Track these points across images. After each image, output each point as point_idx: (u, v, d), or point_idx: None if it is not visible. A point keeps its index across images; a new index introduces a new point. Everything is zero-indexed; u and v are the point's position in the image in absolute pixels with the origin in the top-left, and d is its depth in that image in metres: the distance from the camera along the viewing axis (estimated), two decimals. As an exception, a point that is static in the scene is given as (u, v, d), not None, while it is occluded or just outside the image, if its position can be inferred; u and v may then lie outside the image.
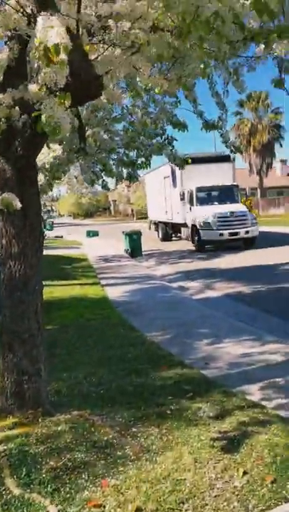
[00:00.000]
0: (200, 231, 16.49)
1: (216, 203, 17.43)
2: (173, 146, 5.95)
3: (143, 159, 6.39)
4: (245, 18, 2.52)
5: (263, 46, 2.58)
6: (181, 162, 6.18)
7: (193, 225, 17.14)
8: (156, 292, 9.31)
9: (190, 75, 2.90)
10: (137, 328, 6.35)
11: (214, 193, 17.93)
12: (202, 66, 3.03)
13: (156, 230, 23.87)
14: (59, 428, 3.32)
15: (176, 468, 2.86)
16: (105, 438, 3.23)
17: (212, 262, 14.13)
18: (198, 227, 16.64)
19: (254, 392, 4.06)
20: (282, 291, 9.12)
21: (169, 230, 21.78)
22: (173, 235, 21.57)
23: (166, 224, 21.95)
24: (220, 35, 2.22)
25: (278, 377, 4.39)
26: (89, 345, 5.65)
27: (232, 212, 16.50)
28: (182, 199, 18.04)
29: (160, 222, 22.89)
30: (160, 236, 22.87)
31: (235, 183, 18.42)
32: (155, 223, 24.28)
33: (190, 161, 7.17)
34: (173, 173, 18.37)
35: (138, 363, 4.87)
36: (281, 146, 40.69)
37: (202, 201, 17.42)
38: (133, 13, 2.37)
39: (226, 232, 16.12)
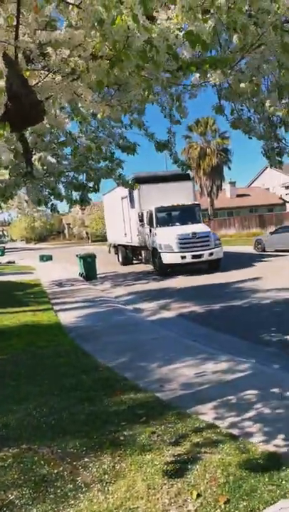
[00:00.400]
0: (161, 254, 15.45)
1: (177, 223, 16.48)
2: (122, 168, 6.03)
3: (92, 183, 6.40)
4: (180, 49, 2.65)
5: (198, 75, 2.69)
6: (130, 186, 6.25)
7: (154, 248, 16.06)
8: (110, 315, 9.22)
9: (132, 102, 2.97)
10: (91, 354, 6.23)
11: (175, 214, 17.01)
12: (144, 93, 3.12)
13: (117, 253, 22.58)
14: (6, 463, 3.16)
15: (128, 496, 2.79)
16: (55, 471, 3.11)
17: (166, 282, 14.26)
18: (158, 250, 15.58)
19: (207, 411, 4.07)
20: (233, 309, 9.33)
21: (130, 254, 20.53)
22: (134, 259, 20.44)
23: (126, 247, 20.65)
24: (156, 64, 2.30)
25: (230, 395, 4.43)
26: (40, 375, 5.46)
27: (194, 234, 15.45)
28: (141, 220, 16.95)
29: (120, 245, 21.53)
30: (120, 260, 21.61)
31: (196, 202, 17.66)
32: (115, 246, 22.93)
33: (138, 185, 7.28)
34: (130, 193, 17.07)
35: (91, 389, 4.76)
36: (230, 169, 42.27)
37: (162, 222, 16.44)
38: (72, 41, 2.41)
39: (188, 254, 15.16)
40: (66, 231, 73.88)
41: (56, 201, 6.69)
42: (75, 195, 6.95)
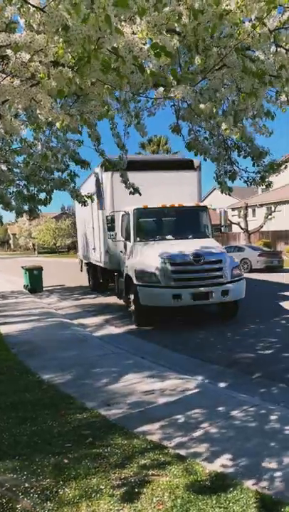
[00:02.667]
0: (138, 289, 8.90)
1: (169, 237, 10.05)
2: (75, 183, 5.92)
3: (44, 194, 6.24)
4: (146, 63, 2.64)
5: (161, 89, 2.70)
6: (82, 201, 6.12)
7: (128, 277, 9.63)
8: (56, 330, 8.94)
9: (92, 112, 2.92)
10: (34, 371, 5.95)
11: (167, 221, 10.65)
12: (104, 105, 3.08)
13: (87, 273, 16.43)
14: None
15: (72, 525, 2.63)
16: (-7, 499, 2.88)
17: (115, 297, 14.11)
18: (134, 280, 9.04)
19: (155, 431, 3.99)
20: (177, 326, 9.37)
21: (103, 276, 13.68)
22: (110, 281, 13.26)
23: (97, 267, 13.91)
24: (120, 76, 2.27)
25: (178, 414, 4.39)
26: (-21, 392, 5.13)
27: (198, 256, 8.81)
28: (111, 229, 10.28)
29: (90, 263, 15.21)
30: (90, 283, 15.68)
31: (202, 204, 11.00)
32: (87, 264, 16.26)
33: (92, 198, 6.33)
34: (99, 185, 10.72)
35: (34, 409, 4.53)
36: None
37: (145, 234, 10.07)
38: (32, 45, 2.33)
39: (186, 292, 8.60)
40: (11, 241, 71.76)
41: (2, 211, 6.43)
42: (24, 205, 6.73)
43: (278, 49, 3.08)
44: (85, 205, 6.72)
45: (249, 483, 3.09)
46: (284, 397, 5.06)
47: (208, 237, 10.43)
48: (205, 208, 10.79)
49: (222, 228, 11.45)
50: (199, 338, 8.30)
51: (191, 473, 3.22)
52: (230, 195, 4.82)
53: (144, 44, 2.39)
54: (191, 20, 2.56)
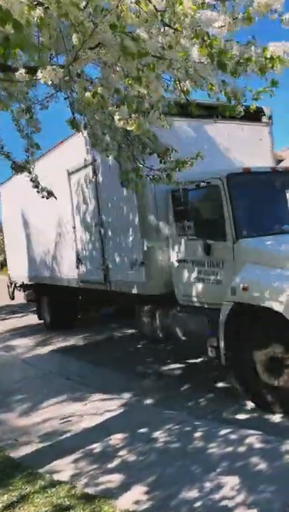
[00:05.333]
0: None
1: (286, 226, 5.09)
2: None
3: None
4: None
5: (23, 71, 2.28)
6: None
7: (250, 309, 4.30)
8: (-25, 356, 8.14)
9: None
10: None
11: (283, 197, 5.33)
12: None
13: (36, 301, 10.82)
14: None
15: None
16: None
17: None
18: None
19: (65, 467, 3.51)
20: (111, 340, 8.90)
21: (75, 308, 9.92)
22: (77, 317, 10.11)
23: (67, 293, 9.12)
24: None
25: (95, 442, 3.94)
26: None
27: None
28: (184, 217, 5.20)
29: (42, 286, 10.05)
30: (47, 319, 10.33)
31: None
32: (28, 288, 11.17)
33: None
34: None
35: None
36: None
37: (257, 221, 5.14)
38: None
39: None
40: None
41: None
42: None
43: (166, 28, 2.78)
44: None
45: (164, 521, 2.69)
46: (212, 408, 4.75)
47: None
48: None
49: None
50: (130, 350, 7.88)
51: (99, 517, 2.77)
52: (137, 192, 4.45)
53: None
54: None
